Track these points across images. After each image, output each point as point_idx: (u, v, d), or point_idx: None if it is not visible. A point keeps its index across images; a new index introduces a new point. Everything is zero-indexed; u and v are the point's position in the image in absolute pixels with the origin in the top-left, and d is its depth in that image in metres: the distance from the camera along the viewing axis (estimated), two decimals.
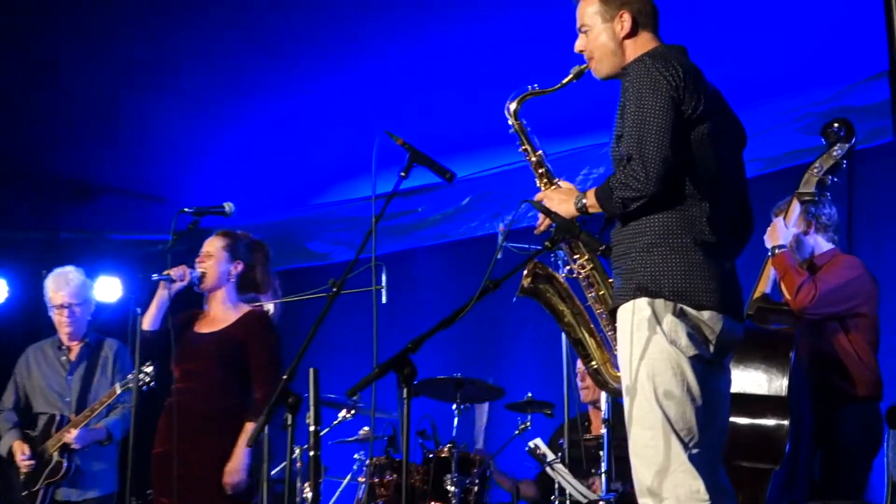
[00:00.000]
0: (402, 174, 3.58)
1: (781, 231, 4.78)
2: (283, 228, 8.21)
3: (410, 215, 8.04)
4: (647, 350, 3.29)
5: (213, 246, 4.99)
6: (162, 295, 4.89)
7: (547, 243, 3.33)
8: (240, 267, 5.05)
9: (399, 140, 3.62)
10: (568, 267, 3.71)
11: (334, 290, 3.41)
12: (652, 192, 3.24)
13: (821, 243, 4.85)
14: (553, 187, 3.68)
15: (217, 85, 6.51)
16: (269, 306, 5.00)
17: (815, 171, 4.76)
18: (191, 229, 4.72)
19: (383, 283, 4.56)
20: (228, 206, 4.87)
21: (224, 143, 7.30)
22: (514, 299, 3.90)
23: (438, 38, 6.09)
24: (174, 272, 4.83)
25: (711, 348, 3.32)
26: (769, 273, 4.81)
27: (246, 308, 5.00)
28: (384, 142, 3.59)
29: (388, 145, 3.62)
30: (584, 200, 3.44)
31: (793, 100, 6.46)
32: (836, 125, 4.76)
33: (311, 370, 3.31)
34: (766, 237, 4.80)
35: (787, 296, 4.73)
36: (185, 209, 4.74)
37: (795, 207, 4.80)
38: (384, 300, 4.63)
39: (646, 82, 3.29)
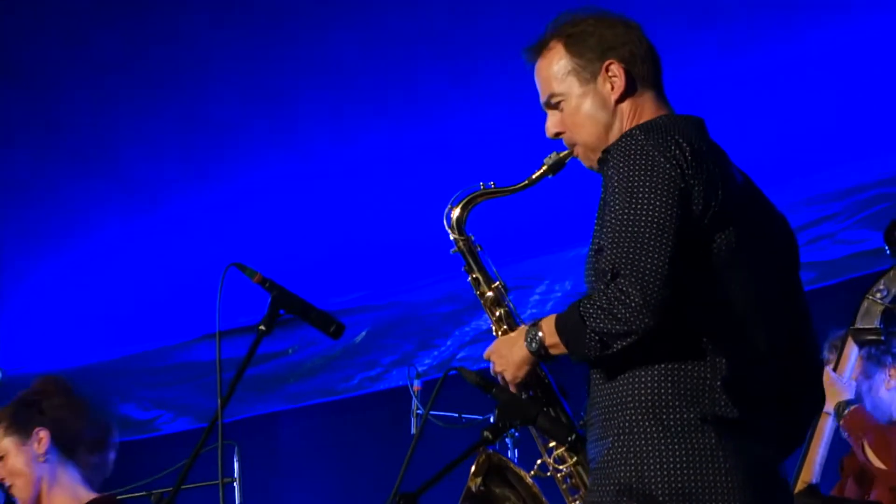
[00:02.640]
0: (261, 327, 3.47)
1: (838, 381, 4.80)
2: (78, 381, 7.39)
3: (275, 360, 7.53)
4: None
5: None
6: None
7: (487, 434, 3.21)
8: (43, 438, 4.57)
9: (255, 276, 3.52)
10: (540, 461, 3.54)
11: None
12: (650, 326, 3.08)
13: None
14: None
15: None
16: None
17: (879, 296, 4.79)
18: None
19: (236, 474, 4.63)
20: None
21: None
22: None
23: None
24: None
25: None
26: (817, 450, 4.76)
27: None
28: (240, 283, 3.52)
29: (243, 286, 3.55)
30: (540, 334, 3.25)
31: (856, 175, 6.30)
32: None
33: None
34: None
35: (882, 465, 4.78)
36: None
37: (851, 351, 4.83)
38: (238, 500, 4.68)
39: (638, 166, 3.16)
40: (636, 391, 3.20)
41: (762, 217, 3.34)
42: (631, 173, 3.18)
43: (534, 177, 3.57)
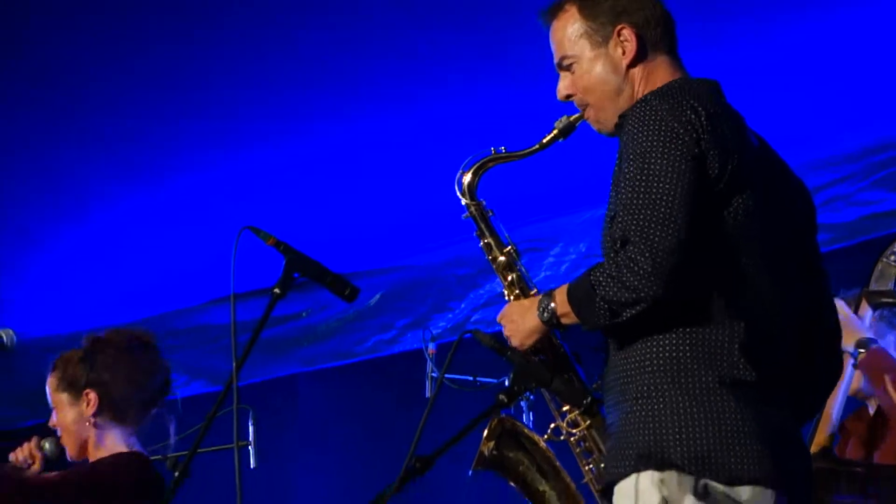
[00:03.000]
0: (276, 291, 3.49)
1: (857, 322, 4.70)
2: None
3: (289, 323, 7.48)
4: None
5: (50, 393, 4.74)
6: None
7: (502, 397, 3.26)
8: (92, 400, 4.62)
9: (270, 239, 3.54)
10: (553, 425, 3.55)
11: (176, 474, 3.37)
12: (658, 294, 3.08)
13: None
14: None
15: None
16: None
17: (893, 258, 4.75)
18: None
19: (251, 438, 4.58)
20: (7, 336, 4.96)
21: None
22: (470, 472, 3.74)
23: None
24: (18, 455, 4.65)
25: None
26: (832, 409, 4.69)
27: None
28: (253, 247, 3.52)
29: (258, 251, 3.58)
30: (552, 305, 3.26)
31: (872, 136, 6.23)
32: None
33: None
34: None
35: None
36: None
37: (865, 313, 4.77)
38: (253, 464, 4.57)
39: (652, 132, 3.16)
40: (655, 355, 3.19)
41: (779, 181, 3.33)
42: (645, 139, 3.16)
43: (544, 141, 3.57)
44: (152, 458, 4.48)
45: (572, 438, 3.55)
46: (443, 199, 3.85)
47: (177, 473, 3.26)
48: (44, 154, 6.80)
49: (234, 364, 3.28)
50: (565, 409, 3.57)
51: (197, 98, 6.53)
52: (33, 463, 4.65)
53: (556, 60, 3.45)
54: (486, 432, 3.75)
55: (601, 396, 3.40)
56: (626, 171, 3.19)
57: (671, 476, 3.14)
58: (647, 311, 3.12)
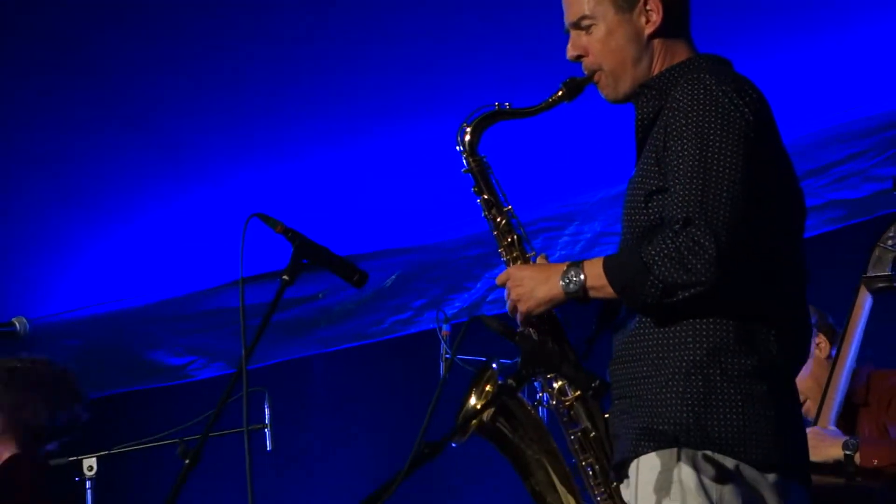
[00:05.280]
0: (285, 277, 3.47)
1: (827, 435, 4.71)
2: (107, 329, 7.76)
3: (304, 305, 7.46)
4: None
5: None
6: None
7: (510, 381, 3.12)
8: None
9: (278, 226, 3.52)
10: (541, 393, 3.53)
11: (187, 461, 3.29)
12: (719, 279, 3.06)
13: None
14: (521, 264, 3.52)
15: None
16: None
17: (890, 243, 4.77)
18: None
19: (267, 420, 4.59)
20: (20, 323, 5.01)
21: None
22: (464, 440, 3.57)
23: None
24: None
25: None
26: (834, 397, 4.78)
27: None
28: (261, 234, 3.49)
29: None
30: (581, 276, 3.20)
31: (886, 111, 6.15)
32: None
33: None
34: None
35: None
36: None
37: (865, 299, 4.78)
38: (270, 446, 4.63)
39: (710, 113, 3.14)
40: (698, 333, 3.17)
41: (792, 170, 3.34)
42: (702, 119, 3.14)
43: (550, 100, 3.49)
44: (164, 442, 4.49)
45: (560, 407, 3.52)
46: (458, 179, 3.80)
47: (187, 461, 3.26)
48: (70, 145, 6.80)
49: (243, 350, 3.29)
50: (551, 377, 3.54)
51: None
52: None
53: (570, 19, 3.40)
54: (480, 397, 3.66)
55: (609, 379, 3.36)
56: (681, 150, 3.16)
57: (708, 455, 3.15)
58: (699, 298, 3.11)
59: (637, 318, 3.26)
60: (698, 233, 3.05)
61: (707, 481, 3.13)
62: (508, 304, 3.37)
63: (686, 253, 3.05)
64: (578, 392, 3.45)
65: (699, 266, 3.04)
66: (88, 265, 7.61)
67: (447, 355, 5.38)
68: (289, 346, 7.55)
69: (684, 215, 3.08)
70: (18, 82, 6.27)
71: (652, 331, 3.23)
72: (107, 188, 7.02)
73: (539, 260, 3.54)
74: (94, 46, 6.26)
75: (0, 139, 6.52)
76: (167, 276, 7.86)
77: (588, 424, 3.48)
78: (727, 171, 3.10)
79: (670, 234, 3.10)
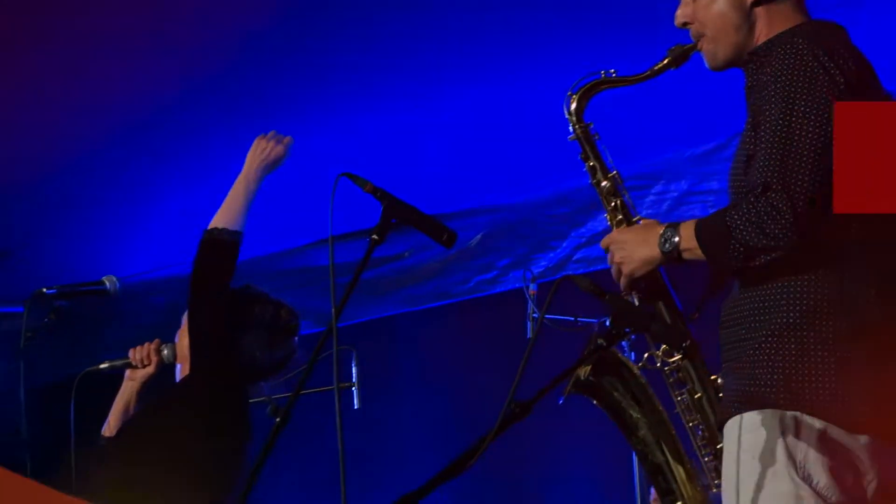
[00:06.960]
0: (374, 237, 3.50)
1: None
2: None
3: (390, 264, 7.53)
4: (763, 490, 3.12)
5: None
6: (127, 390, 4.79)
7: (601, 341, 3.14)
8: None
9: (367, 185, 3.54)
10: (647, 354, 3.57)
11: (277, 419, 3.32)
12: (796, 243, 3.07)
13: None
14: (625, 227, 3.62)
15: None
16: None
17: None
18: (52, 318, 4.79)
19: (354, 379, 4.67)
20: (110, 282, 4.85)
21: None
22: (561, 399, 3.72)
23: None
24: (136, 354, 4.77)
25: (869, 492, 3.17)
26: None
27: None
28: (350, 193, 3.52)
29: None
30: (676, 238, 3.24)
31: None
32: None
33: None
34: None
35: None
36: (45, 289, 4.73)
37: None
38: (357, 404, 4.70)
39: (799, 77, 3.14)
40: (791, 295, 3.18)
41: None
42: (790, 84, 3.15)
43: (656, 68, 3.54)
44: (253, 400, 4.50)
45: (666, 368, 3.55)
46: (545, 138, 3.79)
47: (278, 419, 3.30)
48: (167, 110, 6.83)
49: (333, 309, 3.30)
50: None
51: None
52: (149, 364, 4.73)
53: None
54: (582, 357, 3.65)
55: (697, 337, 3.38)
56: (769, 113, 3.17)
57: (791, 417, 3.15)
58: (782, 259, 3.10)
59: (739, 283, 3.28)
60: (777, 198, 3.06)
61: (792, 441, 3.13)
62: (613, 269, 3.40)
63: (765, 217, 3.07)
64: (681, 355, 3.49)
65: (776, 230, 3.06)
66: (174, 223, 7.68)
67: (535, 314, 5.37)
68: (375, 305, 7.61)
69: (764, 181, 3.10)
70: (108, 47, 6.32)
71: (750, 294, 3.24)
72: (194, 147, 7.05)
73: (645, 223, 3.58)
74: (179, 10, 6.33)
75: (89, 103, 6.57)
76: (254, 235, 7.89)
77: (693, 386, 3.51)
78: (810, 135, 3.10)
79: (752, 199, 3.11)
